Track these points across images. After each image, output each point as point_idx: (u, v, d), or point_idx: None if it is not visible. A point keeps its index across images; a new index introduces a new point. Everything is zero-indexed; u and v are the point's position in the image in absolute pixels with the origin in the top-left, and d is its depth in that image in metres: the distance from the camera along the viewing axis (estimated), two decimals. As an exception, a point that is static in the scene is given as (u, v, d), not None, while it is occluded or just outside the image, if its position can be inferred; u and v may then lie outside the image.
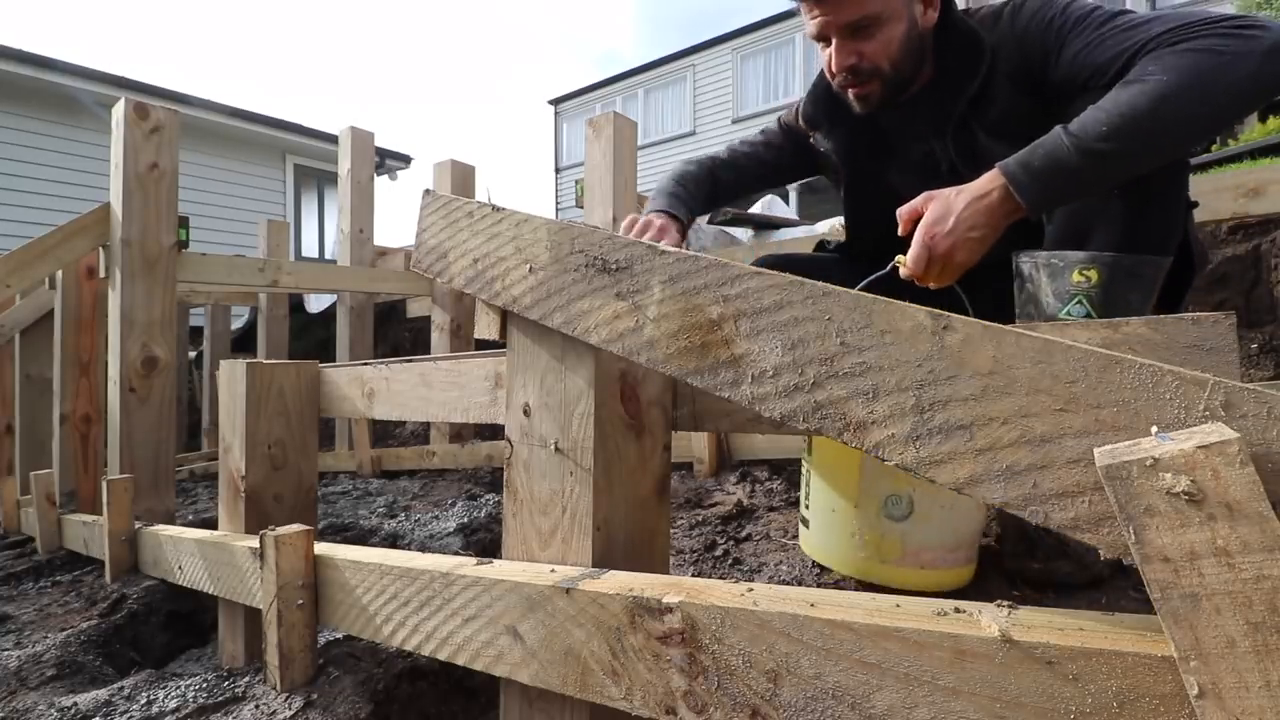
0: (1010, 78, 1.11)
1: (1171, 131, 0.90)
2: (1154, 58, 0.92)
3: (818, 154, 1.44)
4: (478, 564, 0.79)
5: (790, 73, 11.75)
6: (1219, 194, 2.06)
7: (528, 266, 0.74)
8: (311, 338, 4.66)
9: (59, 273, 2.19)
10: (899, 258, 1.00)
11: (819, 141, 1.41)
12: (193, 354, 4.90)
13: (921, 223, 0.97)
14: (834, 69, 1.20)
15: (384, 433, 3.91)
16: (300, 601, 0.97)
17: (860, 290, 0.53)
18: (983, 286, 1.10)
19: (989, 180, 0.95)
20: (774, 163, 1.50)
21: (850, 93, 1.23)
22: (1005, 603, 0.50)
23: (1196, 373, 0.42)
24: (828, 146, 1.40)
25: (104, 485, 1.53)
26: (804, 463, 1.25)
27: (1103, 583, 1.12)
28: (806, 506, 1.24)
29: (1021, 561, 1.17)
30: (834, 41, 1.18)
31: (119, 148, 1.99)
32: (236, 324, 4.91)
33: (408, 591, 0.82)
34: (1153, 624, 0.42)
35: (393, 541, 1.93)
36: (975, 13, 1.20)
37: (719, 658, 0.56)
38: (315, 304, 4.57)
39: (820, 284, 0.55)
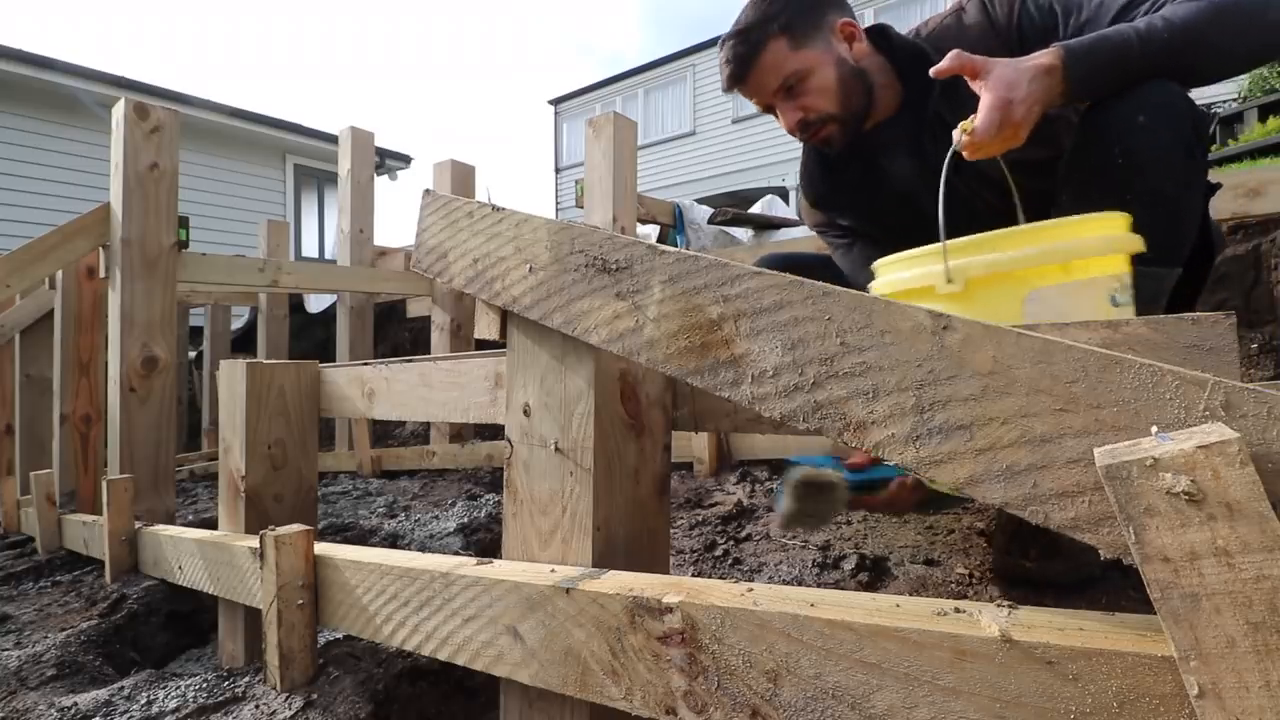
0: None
1: (1223, 43, 0.94)
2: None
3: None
4: (478, 564, 0.79)
5: (790, 73, 11.72)
6: (1219, 194, 2.06)
7: (528, 266, 0.74)
8: (311, 338, 4.66)
9: (59, 273, 2.19)
10: (963, 125, 0.94)
11: (838, 218, 1.45)
12: (193, 354, 4.90)
13: (992, 86, 0.92)
14: (788, 131, 1.28)
15: (384, 433, 3.90)
16: (300, 601, 0.97)
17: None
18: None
19: (1050, 56, 0.94)
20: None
21: (813, 142, 1.30)
22: (1005, 603, 0.50)
23: (1196, 373, 0.42)
24: (849, 220, 1.43)
25: (104, 485, 1.53)
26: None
27: (1096, 582, 1.12)
28: None
29: (1014, 560, 1.17)
30: (777, 108, 1.26)
31: (119, 148, 1.99)
32: (236, 324, 4.91)
33: (408, 591, 0.82)
34: (1153, 624, 0.42)
35: (393, 541, 1.93)
36: (926, 24, 1.26)
37: (719, 658, 0.56)
38: (315, 304, 4.56)
39: (820, 284, 0.55)
